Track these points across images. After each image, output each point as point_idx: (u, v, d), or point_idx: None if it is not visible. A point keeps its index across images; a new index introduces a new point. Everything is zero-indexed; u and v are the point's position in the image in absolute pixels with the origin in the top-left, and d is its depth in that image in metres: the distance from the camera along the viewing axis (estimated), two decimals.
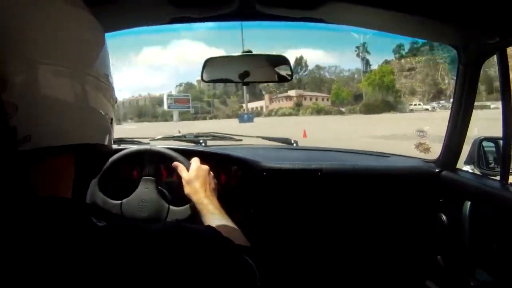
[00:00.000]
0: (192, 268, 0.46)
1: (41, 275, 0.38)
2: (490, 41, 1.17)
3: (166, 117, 54.39)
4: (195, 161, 1.14)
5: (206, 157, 1.49)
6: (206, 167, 1.13)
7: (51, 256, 0.39)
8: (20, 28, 0.41)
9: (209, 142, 1.85)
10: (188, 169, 1.12)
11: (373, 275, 1.68)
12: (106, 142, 0.53)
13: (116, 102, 0.58)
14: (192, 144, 1.81)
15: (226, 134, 1.96)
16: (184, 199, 1.11)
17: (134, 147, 1.31)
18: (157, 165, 1.29)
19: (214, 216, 0.94)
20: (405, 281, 1.68)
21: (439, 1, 1.03)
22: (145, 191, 1.21)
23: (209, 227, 0.56)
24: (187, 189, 1.06)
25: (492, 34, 1.11)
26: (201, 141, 1.83)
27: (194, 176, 1.07)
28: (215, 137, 1.93)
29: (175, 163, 1.16)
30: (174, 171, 1.30)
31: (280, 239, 1.63)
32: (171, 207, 1.18)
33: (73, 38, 0.47)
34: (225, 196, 1.49)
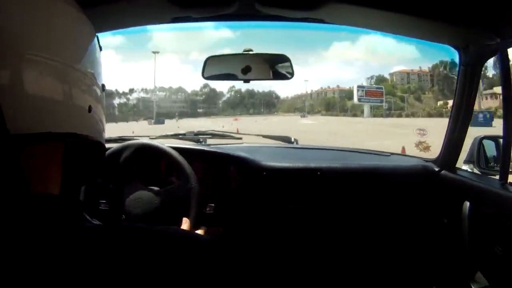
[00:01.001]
0: (186, 275, 0.45)
1: (31, 275, 0.38)
2: (490, 42, 1.17)
3: (355, 111, 48.20)
4: (201, 230, 1.16)
5: (206, 156, 1.49)
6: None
7: (42, 256, 0.39)
8: (3, 19, 0.40)
9: (209, 141, 1.84)
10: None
11: (373, 274, 1.69)
12: (88, 133, 0.51)
13: (104, 90, 0.57)
14: (192, 143, 1.80)
15: (226, 132, 1.96)
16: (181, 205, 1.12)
17: (138, 141, 1.30)
18: (158, 163, 1.29)
19: None
20: (406, 281, 1.69)
21: (440, 2, 1.02)
22: (142, 191, 1.21)
23: (209, 238, 0.55)
24: None
25: (492, 35, 1.11)
26: (201, 139, 1.83)
27: None
28: (215, 135, 1.92)
29: (185, 219, 1.16)
30: (173, 173, 1.30)
31: (279, 238, 1.63)
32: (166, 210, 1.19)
33: (56, 29, 0.47)
34: (225, 195, 1.51)
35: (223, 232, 1.47)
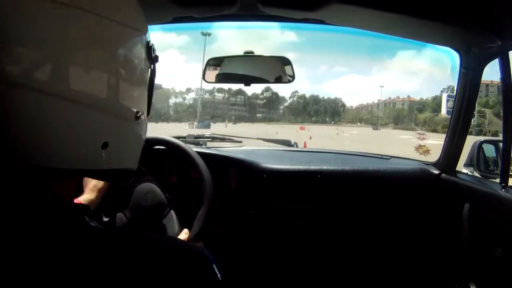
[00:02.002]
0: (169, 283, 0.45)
1: (25, 273, 0.38)
2: (491, 45, 1.17)
3: (434, 125, 38.93)
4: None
5: (206, 159, 1.49)
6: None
7: (38, 255, 0.39)
8: (30, 46, 0.39)
9: (210, 144, 1.84)
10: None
11: (374, 277, 1.68)
12: (102, 166, 0.48)
13: (139, 118, 0.51)
14: (193, 146, 1.79)
15: (227, 135, 1.96)
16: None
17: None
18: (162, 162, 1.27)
19: None
20: (407, 283, 1.68)
21: (441, 4, 1.03)
22: (152, 184, 1.20)
23: (205, 251, 0.54)
24: None
25: (493, 38, 1.11)
26: (201, 142, 1.82)
27: None
28: (215, 138, 1.92)
29: (186, 230, 1.14)
30: (174, 172, 1.29)
31: (280, 241, 1.62)
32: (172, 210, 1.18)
33: (79, 59, 0.42)
34: (225, 198, 1.50)
35: (223, 232, 1.46)
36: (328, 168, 1.60)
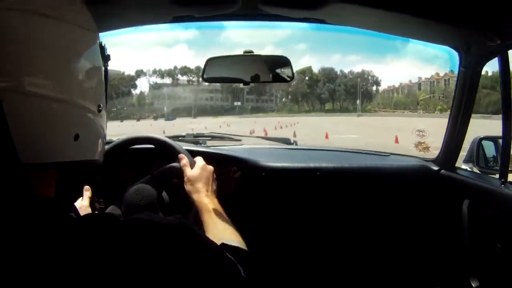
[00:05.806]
0: (161, 261, 0.48)
1: (14, 268, 0.41)
2: (491, 44, 1.17)
3: None
4: (200, 159, 1.10)
5: (205, 157, 1.49)
6: (211, 167, 1.09)
7: (26, 251, 0.42)
8: (12, 48, 0.43)
9: (209, 142, 1.84)
10: (192, 166, 1.08)
11: (373, 273, 1.69)
12: (75, 158, 0.52)
13: (100, 110, 0.57)
14: (192, 144, 1.79)
15: (226, 134, 1.96)
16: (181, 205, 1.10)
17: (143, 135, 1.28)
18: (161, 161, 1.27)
19: (213, 216, 0.93)
20: (406, 279, 1.69)
21: (441, 3, 1.03)
22: (144, 185, 1.18)
23: (183, 220, 0.58)
24: (188, 187, 1.03)
25: (493, 36, 1.12)
26: (200, 141, 1.82)
27: (198, 175, 1.04)
28: (214, 137, 1.92)
29: (181, 155, 1.11)
30: (175, 174, 1.28)
31: (279, 239, 1.63)
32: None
33: (50, 58, 0.47)
34: (224, 196, 1.50)
35: None
36: (327, 166, 1.60)
